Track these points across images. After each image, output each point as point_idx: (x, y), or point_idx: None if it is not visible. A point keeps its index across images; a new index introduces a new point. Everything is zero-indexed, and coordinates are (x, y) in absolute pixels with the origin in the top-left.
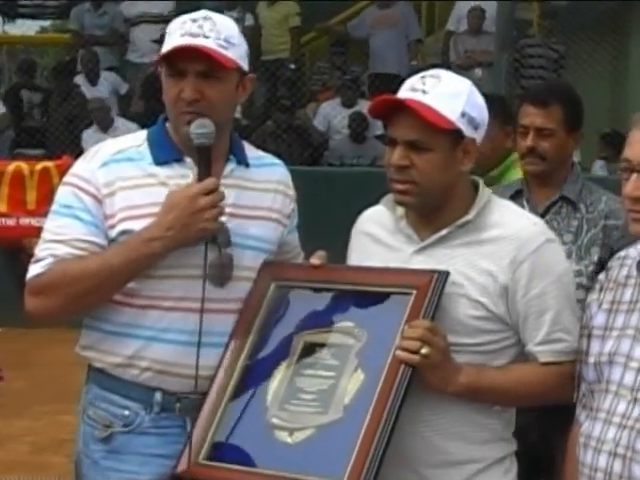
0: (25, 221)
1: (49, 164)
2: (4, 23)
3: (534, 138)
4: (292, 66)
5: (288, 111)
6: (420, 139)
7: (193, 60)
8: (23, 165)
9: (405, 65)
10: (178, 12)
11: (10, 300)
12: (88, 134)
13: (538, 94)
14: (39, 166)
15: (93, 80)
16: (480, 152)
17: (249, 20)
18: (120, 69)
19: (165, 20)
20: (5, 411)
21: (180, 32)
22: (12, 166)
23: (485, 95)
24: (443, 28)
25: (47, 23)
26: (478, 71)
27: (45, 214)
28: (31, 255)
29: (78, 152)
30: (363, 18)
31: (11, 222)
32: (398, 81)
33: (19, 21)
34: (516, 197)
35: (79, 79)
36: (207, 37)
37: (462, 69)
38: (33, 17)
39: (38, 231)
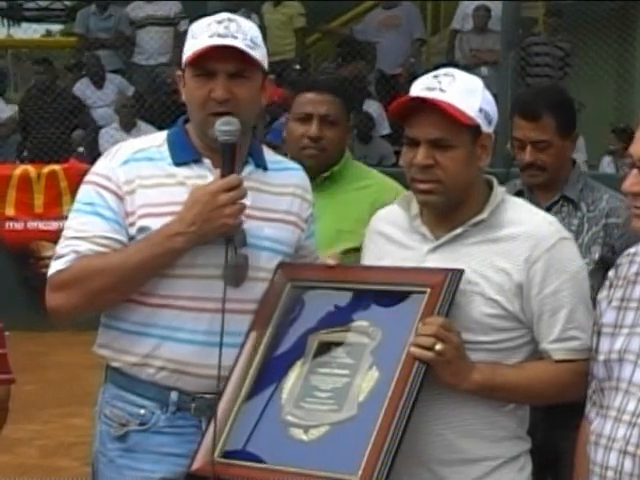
0: (33, 224)
1: (56, 167)
2: (9, 27)
3: (532, 152)
4: (297, 67)
5: None
6: (444, 137)
7: (223, 60)
8: (30, 169)
9: (410, 65)
10: (184, 15)
11: (19, 303)
12: (107, 132)
13: (527, 106)
14: (46, 170)
15: (98, 83)
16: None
17: (254, 21)
18: (126, 72)
19: (171, 22)
20: (14, 415)
21: (207, 33)
22: (19, 170)
23: None
24: (448, 27)
25: (53, 26)
26: (484, 70)
27: (53, 218)
28: (39, 258)
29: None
30: (369, 21)
31: (19, 226)
32: (405, 81)
33: (24, 24)
34: (517, 197)
35: (83, 82)
36: (235, 37)
37: (468, 68)
38: (38, 21)
39: (46, 234)
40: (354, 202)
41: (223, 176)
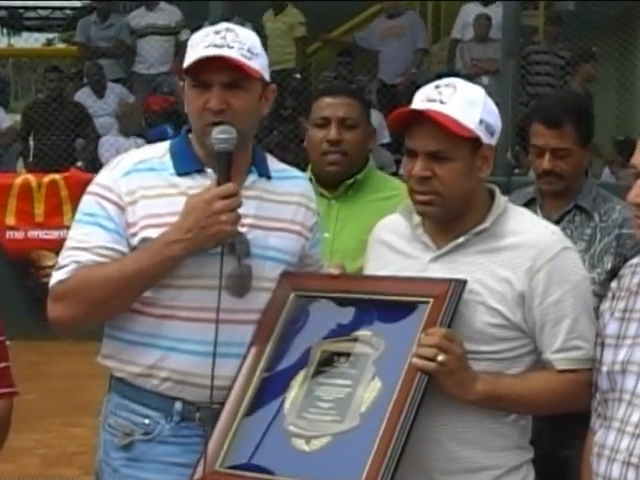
0: (33, 234)
1: (57, 177)
2: (10, 36)
3: (551, 160)
4: (298, 76)
5: (295, 121)
6: (441, 149)
7: (218, 71)
8: (31, 178)
9: (411, 74)
10: (185, 24)
11: (20, 312)
12: (107, 140)
13: (549, 113)
14: (47, 179)
15: (99, 92)
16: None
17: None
18: (127, 81)
19: (172, 32)
20: (16, 424)
21: (204, 44)
22: (20, 179)
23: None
24: (449, 35)
25: (53, 36)
26: (485, 79)
27: (54, 227)
28: (40, 268)
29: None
30: (373, 29)
31: (19, 235)
32: (405, 90)
33: (25, 34)
34: (529, 205)
35: (85, 91)
36: (231, 47)
37: (469, 77)
38: (39, 30)
39: (46, 244)
40: (379, 212)
41: (219, 184)
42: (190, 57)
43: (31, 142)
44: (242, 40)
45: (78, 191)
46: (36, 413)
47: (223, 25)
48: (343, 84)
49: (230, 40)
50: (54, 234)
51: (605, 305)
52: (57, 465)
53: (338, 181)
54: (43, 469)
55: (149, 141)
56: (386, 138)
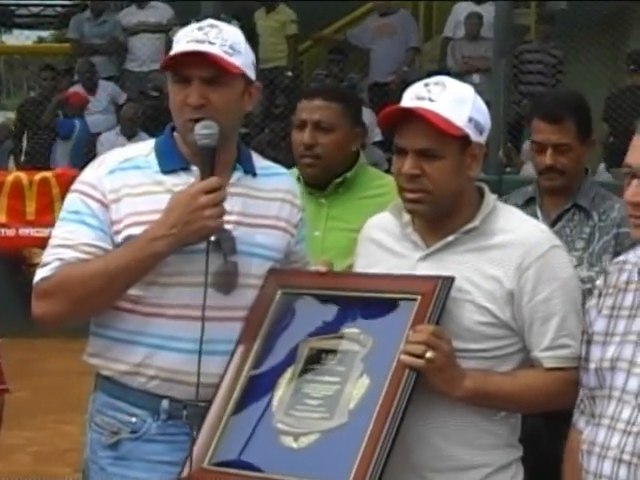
0: (25, 231)
1: (48, 174)
2: (1, 33)
3: (552, 155)
4: (289, 74)
5: (286, 119)
6: (431, 147)
7: (198, 66)
8: (22, 175)
9: (403, 73)
10: (176, 21)
11: (11, 310)
12: (106, 137)
13: (549, 109)
14: (38, 176)
15: (91, 89)
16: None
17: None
18: (119, 78)
19: (164, 29)
20: (7, 422)
21: (186, 39)
22: (11, 177)
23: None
24: (440, 34)
25: (46, 33)
26: (476, 77)
27: (45, 224)
28: (31, 265)
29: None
30: (365, 27)
31: (11, 233)
32: (396, 89)
33: (16, 31)
34: (529, 204)
35: (76, 88)
36: (212, 43)
37: (460, 75)
38: (30, 27)
39: (38, 241)
40: (369, 210)
41: (203, 179)
42: (172, 52)
43: (24, 140)
44: (225, 36)
45: (69, 189)
46: (27, 411)
47: (208, 21)
48: (329, 85)
49: (212, 36)
50: (45, 232)
51: (591, 302)
52: (49, 463)
53: (321, 182)
54: (35, 466)
55: (57, 132)
56: (378, 136)
